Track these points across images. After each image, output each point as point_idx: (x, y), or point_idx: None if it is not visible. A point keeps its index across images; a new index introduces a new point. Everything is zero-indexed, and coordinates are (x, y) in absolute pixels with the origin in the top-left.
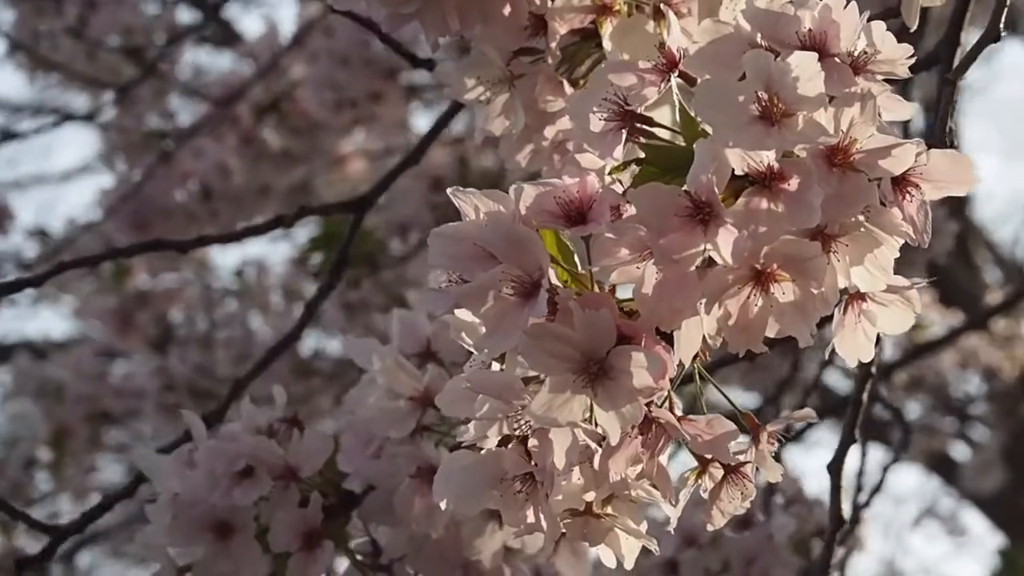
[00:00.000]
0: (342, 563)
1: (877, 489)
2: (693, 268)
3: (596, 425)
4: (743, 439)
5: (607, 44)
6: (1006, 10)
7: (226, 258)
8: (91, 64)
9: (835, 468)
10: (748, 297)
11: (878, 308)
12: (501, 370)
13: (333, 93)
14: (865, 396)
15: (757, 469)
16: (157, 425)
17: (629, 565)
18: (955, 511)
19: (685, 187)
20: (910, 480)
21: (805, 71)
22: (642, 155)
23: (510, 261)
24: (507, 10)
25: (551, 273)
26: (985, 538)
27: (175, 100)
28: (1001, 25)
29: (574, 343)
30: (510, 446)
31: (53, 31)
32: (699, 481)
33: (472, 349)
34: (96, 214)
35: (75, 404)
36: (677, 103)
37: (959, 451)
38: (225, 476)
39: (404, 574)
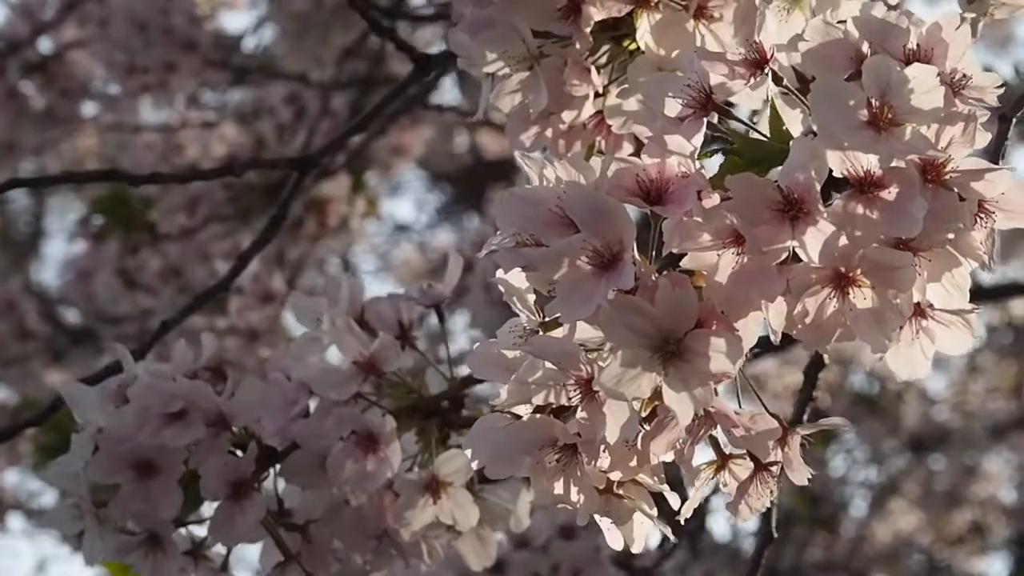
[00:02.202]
0: None
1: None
2: (775, 263)
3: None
4: None
5: (645, 39)
6: None
7: None
8: None
9: None
10: (825, 298)
11: (938, 327)
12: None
13: (126, 57)
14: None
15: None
16: None
17: (639, 549)
18: None
19: (777, 181)
20: None
21: (922, 84)
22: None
23: (591, 231)
24: None
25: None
26: None
27: None
28: None
29: (653, 319)
30: (546, 415)
31: None
32: (718, 475)
33: (521, 313)
34: None
35: None
36: (768, 99)
37: None
38: (156, 416)
39: (320, 536)
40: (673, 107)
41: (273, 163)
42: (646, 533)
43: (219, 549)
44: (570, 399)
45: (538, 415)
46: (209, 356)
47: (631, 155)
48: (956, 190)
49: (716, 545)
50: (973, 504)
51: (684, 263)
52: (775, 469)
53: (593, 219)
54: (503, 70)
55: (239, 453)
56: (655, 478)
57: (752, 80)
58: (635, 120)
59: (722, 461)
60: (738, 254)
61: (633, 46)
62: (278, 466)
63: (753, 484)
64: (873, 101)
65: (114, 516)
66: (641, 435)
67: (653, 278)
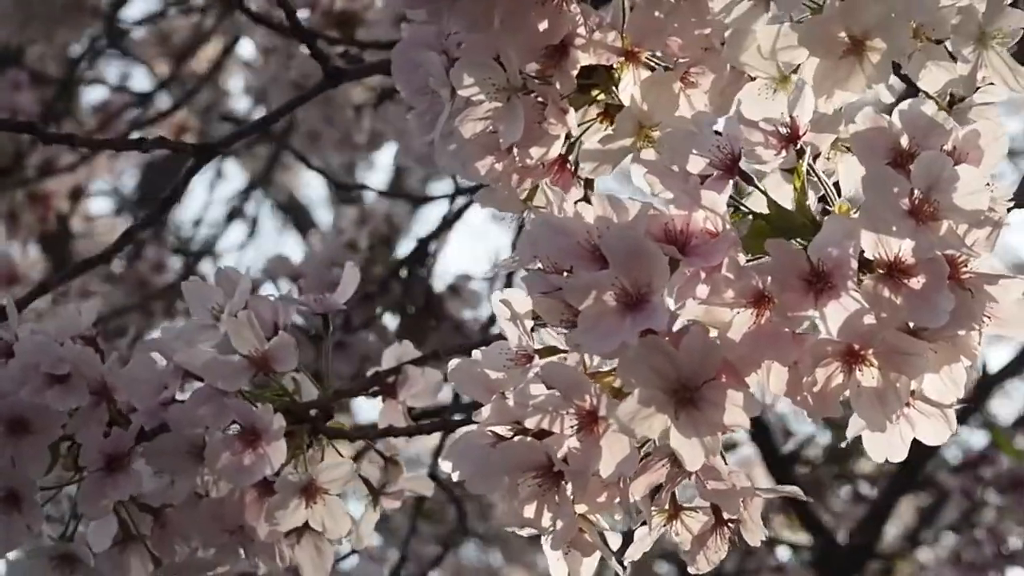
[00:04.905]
0: None
1: None
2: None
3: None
4: None
5: (630, 91)
6: None
7: None
8: None
9: None
10: (833, 371)
11: (919, 416)
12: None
13: None
14: None
15: None
16: None
17: None
18: None
19: (809, 253)
20: None
21: (967, 186)
22: None
23: (622, 269)
24: (543, 26)
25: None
26: None
27: None
28: None
29: (676, 364)
30: (527, 439)
31: None
32: (669, 524)
33: (509, 336)
34: None
35: None
36: (804, 173)
37: None
38: (41, 376)
39: (175, 522)
40: (697, 164)
41: (178, 145)
42: (592, 567)
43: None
44: (571, 427)
45: (528, 438)
46: (88, 324)
47: (579, 200)
48: (970, 291)
49: None
50: None
51: (697, 316)
52: (734, 526)
53: (627, 259)
54: (477, 96)
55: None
56: (628, 515)
57: (783, 153)
58: (649, 170)
59: (674, 511)
60: (756, 315)
61: (599, 96)
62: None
63: (713, 537)
64: (916, 193)
65: None
66: None
67: (677, 325)
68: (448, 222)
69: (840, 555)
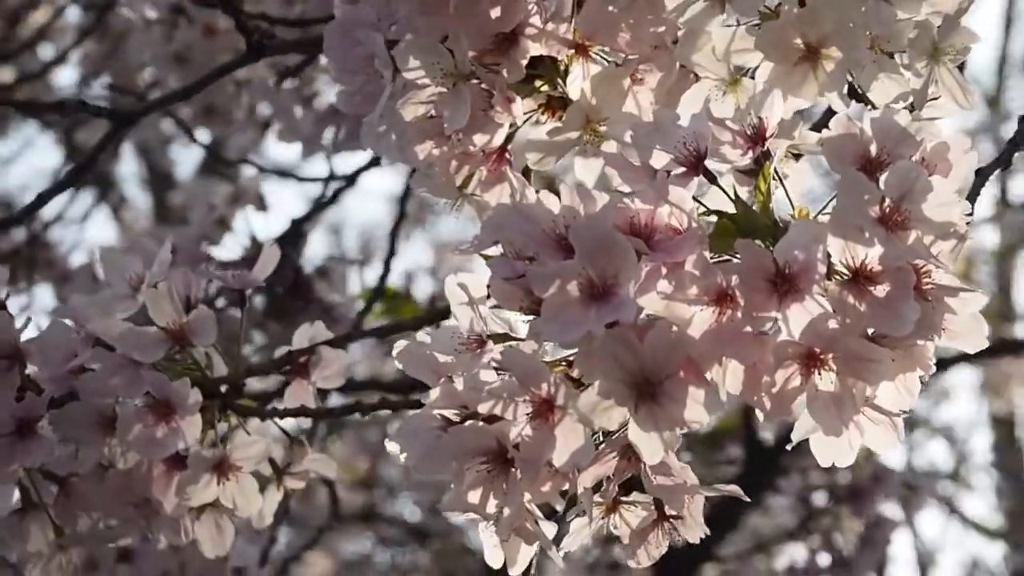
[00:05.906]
0: None
1: None
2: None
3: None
4: None
5: (579, 85)
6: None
7: None
8: None
9: None
10: (791, 373)
11: (868, 424)
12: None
13: None
14: None
15: None
16: None
17: (519, 572)
18: None
19: (775, 255)
20: None
21: (939, 197)
22: None
23: (589, 260)
24: (496, 13)
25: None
26: None
27: None
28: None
29: (640, 358)
30: (479, 424)
31: None
32: (608, 517)
33: (461, 320)
34: None
35: None
36: (771, 175)
37: None
38: None
39: (80, 491)
40: (660, 159)
41: (98, 110)
42: (528, 557)
43: None
44: (525, 415)
45: (480, 423)
46: (2, 288)
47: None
48: (931, 301)
49: None
50: None
51: (658, 311)
52: (676, 521)
53: (595, 249)
54: (421, 79)
55: None
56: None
57: (750, 153)
58: (609, 163)
59: (612, 504)
60: (719, 314)
61: (542, 87)
62: None
63: (654, 532)
64: (888, 201)
65: None
66: None
67: (643, 318)
68: (322, 204)
69: (677, 556)
